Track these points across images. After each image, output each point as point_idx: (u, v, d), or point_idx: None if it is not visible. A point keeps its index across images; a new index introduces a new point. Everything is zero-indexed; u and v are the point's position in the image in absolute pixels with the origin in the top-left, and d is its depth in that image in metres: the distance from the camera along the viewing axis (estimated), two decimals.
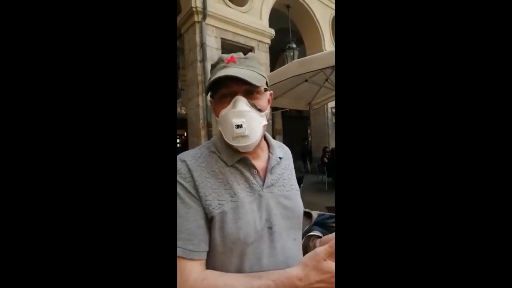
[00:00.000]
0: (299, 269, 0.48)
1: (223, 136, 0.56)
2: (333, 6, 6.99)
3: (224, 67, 0.55)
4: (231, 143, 0.55)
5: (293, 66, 2.62)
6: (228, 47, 5.01)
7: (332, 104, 6.58)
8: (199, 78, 4.65)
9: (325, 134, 7.83)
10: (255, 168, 0.58)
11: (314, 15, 6.85)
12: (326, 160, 6.32)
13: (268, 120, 0.59)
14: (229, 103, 0.54)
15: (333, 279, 0.46)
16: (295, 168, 0.72)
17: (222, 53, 1.41)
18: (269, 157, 0.62)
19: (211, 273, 0.51)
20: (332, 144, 7.28)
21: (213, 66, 0.58)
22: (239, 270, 0.52)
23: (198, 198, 0.53)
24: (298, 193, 0.65)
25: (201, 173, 0.55)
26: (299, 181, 3.47)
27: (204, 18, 4.56)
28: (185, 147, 9.09)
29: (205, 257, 0.53)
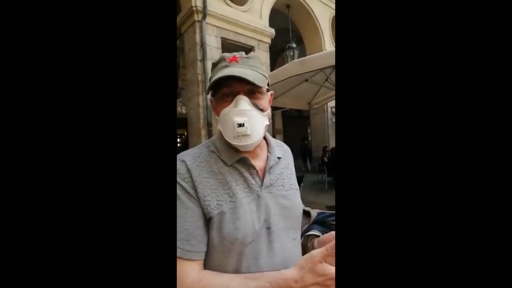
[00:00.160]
0: (295, 271, 0.48)
1: (224, 135, 0.56)
2: (333, 5, 6.97)
3: (226, 66, 0.55)
4: (232, 142, 0.55)
5: (293, 66, 2.62)
6: (228, 46, 5.01)
7: (332, 103, 6.58)
8: (199, 77, 4.64)
9: (325, 133, 7.83)
10: (254, 168, 0.58)
11: (314, 14, 6.85)
12: (326, 159, 6.32)
13: (269, 120, 0.59)
14: (230, 102, 0.54)
15: (329, 282, 0.46)
16: (295, 167, 0.72)
17: (222, 52, 1.41)
18: (267, 157, 0.62)
19: (208, 273, 0.51)
20: (332, 144, 7.28)
21: (214, 65, 0.58)
22: (237, 270, 0.52)
23: (197, 198, 0.53)
24: (298, 192, 0.65)
25: (200, 173, 0.55)
26: (300, 180, 3.48)
27: (204, 17, 4.55)
28: (185, 146, 9.09)
29: (203, 257, 0.53)
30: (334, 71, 3.05)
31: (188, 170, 0.55)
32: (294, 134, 10.40)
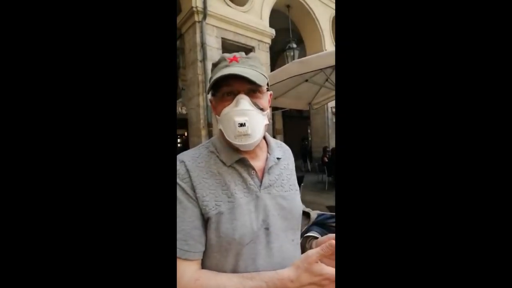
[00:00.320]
0: (291, 270, 0.48)
1: (225, 134, 0.56)
2: (334, 6, 6.98)
3: (226, 66, 0.55)
4: (233, 142, 0.55)
5: (294, 66, 2.62)
6: (228, 46, 5.01)
7: (332, 104, 6.58)
8: (200, 77, 4.65)
9: (325, 134, 7.84)
10: (253, 169, 0.58)
11: (314, 15, 6.85)
12: (326, 159, 6.32)
13: (269, 120, 0.60)
14: (231, 102, 0.54)
15: (324, 282, 0.47)
16: (295, 167, 0.72)
17: (223, 52, 1.41)
18: (267, 158, 0.62)
19: (205, 273, 0.52)
20: (332, 144, 7.29)
21: (215, 65, 0.58)
22: (234, 270, 0.52)
23: (195, 198, 0.53)
24: (298, 193, 0.65)
25: (199, 173, 0.55)
26: (300, 180, 3.48)
27: (204, 18, 4.56)
28: (185, 146, 9.10)
29: (200, 257, 0.53)
30: (334, 71, 3.05)
31: (187, 170, 0.55)
32: (295, 134, 10.41)
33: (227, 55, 0.57)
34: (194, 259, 0.52)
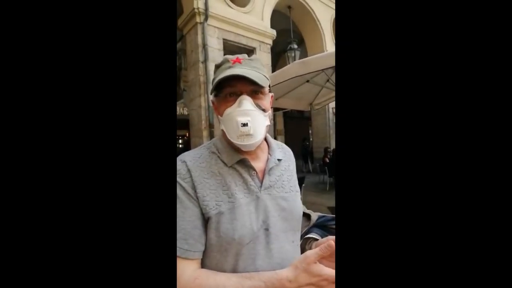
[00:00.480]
0: (290, 271, 0.48)
1: (227, 135, 0.57)
2: (334, 6, 6.98)
3: (229, 67, 0.56)
4: (235, 142, 0.56)
5: (295, 67, 2.62)
6: (230, 47, 5.02)
7: (333, 104, 6.56)
8: (201, 79, 4.66)
9: (326, 134, 7.83)
10: (254, 170, 0.58)
11: (315, 15, 6.85)
12: (327, 160, 6.31)
13: (270, 122, 0.60)
14: (233, 102, 0.55)
15: (323, 283, 0.47)
16: (296, 168, 0.72)
17: (224, 54, 1.42)
18: (268, 159, 0.63)
19: (204, 272, 0.52)
20: (333, 145, 7.27)
21: (218, 67, 0.59)
22: (234, 270, 0.52)
23: (196, 198, 0.54)
24: (298, 194, 0.65)
25: (200, 173, 0.56)
26: (301, 181, 3.47)
27: (206, 19, 4.57)
28: (187, 147, 9.10)
29: (200, 257, 0.54)
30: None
31: (189, 170, 0.56)
32: (296, 135, 10.39)
33: (230, 56, 0.58)
34: (194, 258, 0.53)
